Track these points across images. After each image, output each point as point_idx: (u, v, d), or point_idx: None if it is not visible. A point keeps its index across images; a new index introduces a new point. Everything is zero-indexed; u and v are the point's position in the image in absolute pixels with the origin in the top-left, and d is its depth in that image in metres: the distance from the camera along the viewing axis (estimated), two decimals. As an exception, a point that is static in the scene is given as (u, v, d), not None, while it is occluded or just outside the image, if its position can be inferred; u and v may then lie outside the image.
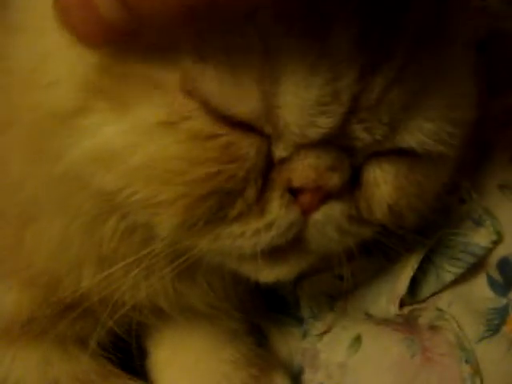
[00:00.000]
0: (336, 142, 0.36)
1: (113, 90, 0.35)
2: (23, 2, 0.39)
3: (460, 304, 0.50)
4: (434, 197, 0.43)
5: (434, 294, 0.51)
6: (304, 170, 0.36)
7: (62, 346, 0.51)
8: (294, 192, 0.37)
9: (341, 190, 0.37)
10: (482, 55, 0.42)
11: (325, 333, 0.56)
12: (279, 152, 0.36)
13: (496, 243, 0.49)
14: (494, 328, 0.48)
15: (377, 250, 0.45)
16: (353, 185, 0.39)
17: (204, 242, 0.38)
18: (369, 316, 0.53)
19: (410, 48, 0.35)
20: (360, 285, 0.54)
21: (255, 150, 0.35)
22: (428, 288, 0.51)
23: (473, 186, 0.51)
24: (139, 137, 0.35)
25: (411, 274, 0.50)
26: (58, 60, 0.36)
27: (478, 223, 0.50)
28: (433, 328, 0.50)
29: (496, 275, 0.49)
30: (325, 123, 0.34)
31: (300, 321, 0.58)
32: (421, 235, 0.48)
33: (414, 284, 0.51)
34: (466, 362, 0.48)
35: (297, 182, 0.36)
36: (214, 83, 0.33)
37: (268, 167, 0.37)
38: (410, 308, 0.50)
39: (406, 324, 0.52)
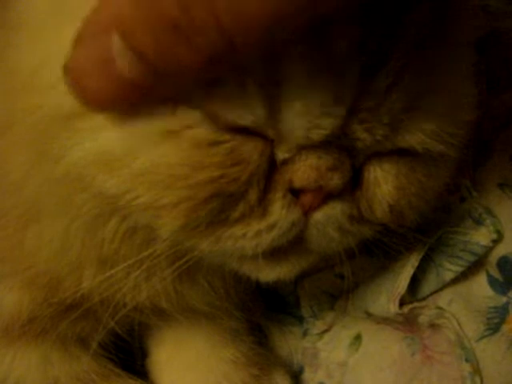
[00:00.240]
0: (337, 143, 0.36)
1: None
2: (23, 4, 0.39)
3: (460, 302, 0.50)
4: (435, 196, 0.43)
5: (434, 293, 0.51)
6: (305, 170, 0.36)
7: (63, 345, 0.51)
8: (295, 193, 0.37)
9: (342, 191, 0.37)
10: (482, 55, 0.42)
11: (325, 332, 0.56)
12: (282, 154, 0.36)
13: (496, 242, 0.49)
14: (493, 327, 0.49)
15: (377, 248, 0.45)
16: (354, 185, 0.39)
17: (205, 243, 0.38)
18: (369, 315, 0.53)
19: (410, 49, 0.35)
20: (360, 284, 0.54)
21: (258, 153, 0.35)
22: (428, 286, 0.51)
23: (473, 184, 0.51)
24: (141, 144, 0.35)
25: (411, 272, 0.50)
26: (58, 62, 0.35)
27: (479, 222, 0.50)
28: (433, 326, 0.50)
29: (496, 274, 0.50)
30: (327, 125, 0.34)
31: (300, 320, 0.58)
32: (421, 234, 0.48)
33: (414, 282, 0.51)
34: (466, 360, 0.48)
35: (298, 183, 0.36)
36: (217, 93, 0.33)
37: (270, 169, 0.37)
38: (410, 306, 0.50)
39: (406, 323, 0.52)
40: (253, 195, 0.36)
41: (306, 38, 0.32)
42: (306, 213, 0.37)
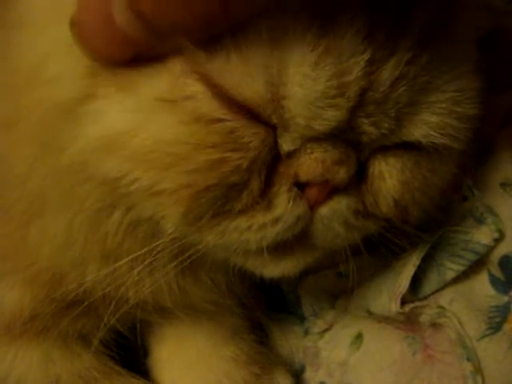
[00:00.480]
0: (343, 137, 0.36)
1: (120, 70, 0.35)
2: (23, 4, 0.39)
3: (461, 302, 0.50)
4: (439, 193, 0.43)
5: (435, 292, 0.51)
6: (311, 163, 0.36)
7: (64, 343, 0.51)
8: (300, 186, 0.37)
9: (347, 185, 0.38)
10: (483, 53, 0.42)
11: (326, 331, 0.56)
12: (286, 145, 0.36)
13: (497, 241, 0.49)
14: (495, 326, 0.48)
15: (379, 247, 0.45)
16: (359, 180, 0.39)
17: (210, 236, 0.38)
18: (370, 314, 0.53)
19: (416, 43, 0.35)
20: (361, 283, 0.53)
21: (259, 140, 0.35)
22: (429, 285, 0.51)
23: (475, 183, 0.51)
24: (141, 115, 0.35)
25: (413, 271, 0.50)
26: (62, 51, 0.36)
27: (480, 221, 0.50)
28: (434, 325, 0.50)
29: (497, 273, 0.49)
30: (332, 116, 0.34)
31: (301, 319, 0.58)
32: (423, 233, 0.48)
33: (416, 281, 0.51)
34: (468, 359, 0.48)
35: (304, 176, 0.36)
36: (221, 62, 0.33)
37: (275, 161, 0.37)
38: (411, 306, 0.50)
39: (408, 322, 0.52)
40: (255, 185, 0.36)
41: (313, 25, 0.32)
42: (312, 207, 0.38)
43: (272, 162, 0.37)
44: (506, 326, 0.48)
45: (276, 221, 0.37)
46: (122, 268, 0.42)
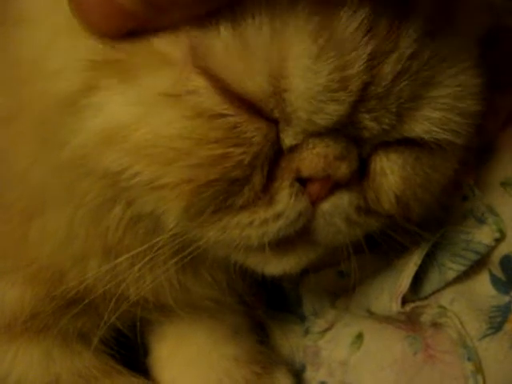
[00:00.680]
0: (344, 132, 0.36)
1: (121, 62, 0.35)
2: (24, 0, 0.39)
3: (462, 301, 0.50)
4: (440, 190, 0.43)
5: (436, 292, 0.51)
6: (313, 158, 0.36)
7: (65, 342, 0.51)
8: (302, 182, 0.37)
9: (349, 180, 0.38)
10: (485, 52, 0.42)
11: (327, 330, 0.56)
12: (288, 140, 0.36)
13: (498, 241, 0.49)
14: (496, 326, 0.48)
15: (380, 245, 0.45)
16: (361, 175, 0.39)
17: (212, 232, 0.38)
18: (371, 313, 0.53)
19: (418, 37, 0.35)
20: (362, 282, 0.53)
21: (262, 135, 0.35)
22: (430, 285, 0.51)
23: (475, 183, 0.51)
24: (143, 109, 0.35)
25: (414, 271, 0.50)
26: (63, 44, 0.36)
27: (481, 221, 0.50)
28: (435, 325, 0.50)
29: (498, 273, 0.49)
30: (333, 110, 0.34)
31: (302, 318, 0.58)
32: (424, 232, 0.48)
33: (417, 281, 0.51)
34: (469, 359, 0.48)
35: (306, 172, 0.37)
36: (222, 56, 0.33)
37: (277, 156, 0.37)
38: (412, 305, 0.50)
39: (408, 321, 0.52)
40: (257, 180, 0.36)
41: (314, 17, 0.32)
42: (314, 203, 0.38)
43: (274, 157, 0.37)
44: (507, 326, 0.48)
45: (278, 216, 0.37)
46: (123, 264, 0.42)
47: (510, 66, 0.51)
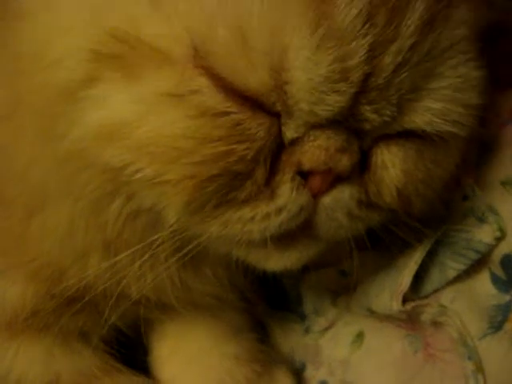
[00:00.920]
0: (346, 124, 0.36)
1: (123, 57, 0.35)
2: None
3: (463, 300, 0.50)
4: (442, 185, 0.43)
5: (436, 290, 0.51)
6: (314, 151, 0.36)
7: (65, 340, 0.51)
8: (304, 175, 0.37)
9: (350, 174, 0.38)
10: (485, 50, 0.42)
11: (327, 329, 0.56)
12: (290, 133, 0.36)
13: (499, 240, 0.49)
14: (496, 325, 0.48)
15: (381, 243, 0.45)
16: (362, 169, 0.39)
17: (213, 227, 0.38)
18: (371, 312, 0.53)
19: (418, 29, 0.35)
20: (363, 281, 0.53)
21: (265, 130, 0.36)
22: (431, 284, 0.51)
23: (476, 182, 0.51)
24: (146, 108, 0.35)
25: (414, 269, 0.50)
26: (67, 32, 0.36)
27: (482, 220, 0.50)
28: (435, 324, 0.50)
29: (499, 272, 0.49)
30: (334, 101, 0.34)
31: (302, 317, 0.58)
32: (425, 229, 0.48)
33: (417, 280, 0.51)
34: (469, 358, 0.48)
35: (307, 164, 0.37)
36: (223, 54, 0.33)
37: (278, 149, 0.37)
38: (412, 304, 0.50)
39: (409, 320, 0.51)
40: (259, 175, 0.36)
41: (313, 9, 0.32)
42: (315, 196, 0.38)
43: (276, 151, 0.37)
44: (508, 325, 0.48)
45: (279, 210, 0.37)
46: (123, 261, 0.42)
47: (510, 66, 0.51)
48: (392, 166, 0.39)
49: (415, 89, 0.36)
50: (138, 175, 0.36)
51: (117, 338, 0.53)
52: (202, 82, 0.34)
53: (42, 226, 0.43)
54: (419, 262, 0.50)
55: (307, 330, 0.57)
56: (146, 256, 0.41)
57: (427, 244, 0.49)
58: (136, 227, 0.41)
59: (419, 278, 0.51)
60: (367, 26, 0.33)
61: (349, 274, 0.54)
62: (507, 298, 0.49)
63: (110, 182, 0.38)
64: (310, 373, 0.55)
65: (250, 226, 0.37)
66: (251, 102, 0.35)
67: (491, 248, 0.49)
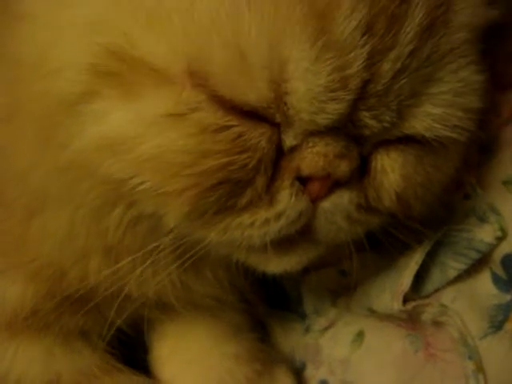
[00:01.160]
0: (345, 130, 0.36)
1: (121, 75, 0.35)
2: None
3: (464, 300, 0.50)
4: (441, 189, 0.43)
5: (437, 290, 0.51)
6: (313, 157, 0.36)
7: (66, 340, 0.51)
8: (303, 181, 0.37)
9: (349, 179, 0.38)
10: (487, 50, 0.42)
11: (327, 328, 0.56)
12: (289, 140, 0.36)
13: (500, 239, 0.49)
14: (497, 325, 0.48)
15: (382, 245, 0.45)
16: (361, 173, 0.39)
17: (213, 233, 0.38)
18: (372, 312, 0.53)
19: (417, 35, 0.35)
20: (363, 280, 0.53)
21: (266, 139, 0.36)
22: (432, 284, 0.51)
23: (477, 182, 0.51)
24: (147, 128, 0.35)
25: (415, 269, 0.49)
26: (66, 44, 0.36)
27: (483, 219, 0.50)
28: (436, 324, 0.50)
29: (500, 272, 0.49)
30: (334, 109, 0.34)
31: (302, 316, 0.58)
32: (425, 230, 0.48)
33: (418, 280, 0.51)
34: (470, 358, 0.48)
35: (306, 170, 0.37)
36: (221, 72, 0.33)
37: (278, 156, 0.37)
38: (413, 304, 0.50)
39: (409, 320, 0.51)
40: (260, 182, 0.36)
41: (311, 19, 0.32)
42: (314, 201, 0.38)
43: (275, 158, 0.37)
44: (508, 325, 0.48)
45: (278, 216, 0.37)
46: (124, 268, 0.42)
47: (510, 67, 0.51)
48: (391, 170, 0.39)
49: (415, 94, 0.36)
50: (141, 187, 0.36)
51: (117, 337, 0.53)
52: (201, 99, 0.34)
53: (42, 228, 0.43)
54: (420, 261, 0.50)
55: (307, 330, 0.57)
56: (148, 262, 0.41)
57: (428, 244, 0.49)
58: (137, 233, 0.41)
59: (420, 277, 0.51)
60: (366, 36, 0.33)
61: (349, 273, 0.54)
62: (508, 297, 0.49)
63: (111, 192, 0.38)
64: (311, 372, 0.55)
65: (250, 232, 0.38)
66: (251, 114, 0.35)
67: (492, 248, 0.49)
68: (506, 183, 0.50)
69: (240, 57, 0.33)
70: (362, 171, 0.39)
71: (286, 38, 0.33)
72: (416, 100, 0.37)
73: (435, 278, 0.51)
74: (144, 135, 0.35)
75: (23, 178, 0.41)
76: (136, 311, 0.48)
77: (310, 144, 0.36)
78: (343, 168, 0.37)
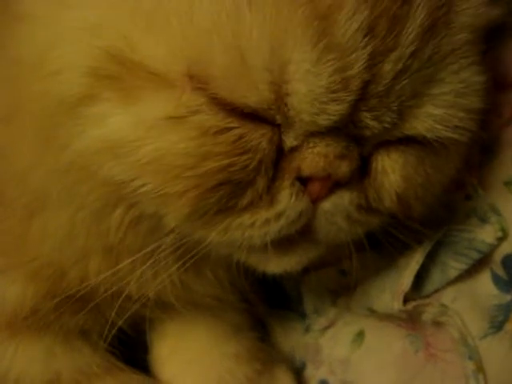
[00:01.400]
0: (345, 131, 0.36)
1: (121, 79, 0.35)
2: None
3: (464, 300, 0.50)
4: (441, 189, 0.43)
5: (438, 290, 0.51)
6: (313, 158, 0.36)
7: (66, 339, 0.51)
8: (303, 181, 0.37)
9: (350, 179, 0.38)
10: (488, 50, 0.42)
11: (327, 328, 0.56)
12: (289, 141, 0.36)
13: (501, 240, 0.49)
14: (497, 325, 0.48)
15: (382, 244, 0.45)
16: (362, 174, 0.39)
17: (214, 234, 0.38)
18: (372, 311, 0.53)
19: (419, 36, 0.35)
20: (364, 280, 0.53)
21: (267, 140, 0.36)
22: (432, 284, 0.51)
23: (479, 182, 0.51)
24: (147, 131, 0.35)
25: (416, 269, 0.50)
26: (66, 46, 0.36)
27: (484, 220, 0.50)
28: (436, 324, 0.50)
29: (500, 272, 0.49)
30: (334, 110, 0.34)
31: (303, 316, 0.58)
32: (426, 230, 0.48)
33: (419, 280, 0.51)
34: (470, 358, 0.48)
35: (306, 171, 0.37)
36: (222, 75, 0.33)
37: (278, 156, 0.37)
38: (413, 304, 0.50)
39: (410, 320, 0.52)
40: (261, 183, 0.36)
41: (313, 21, 0.32)
42: (314, 202, 0.38)
43: (276, 158, 0.37)
44: (509, 325, 0.48)
45: (279, 216, 0.37)
46: (125, 269, 0.42)
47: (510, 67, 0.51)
48: (392, 171, 0.39)
49: (416, 95, 0.36)
50: (142, 189, 0.36)
51: (117, 336, 0.52)
52: (201, 102, 0.34)
53: (42, 228, 0.43)
54: (420, 261, 0.50)
55: (308, 329, 0.57)
56: (148, 263, 0.41)
57: (429, 244, 0.49)
58: (138, 233, 0.41)
59: (420, 277, 0.51)
60: (367, 38, 0.33)
61: (349, 273, 0.54)
62: (508, 297, 0.49)
63: (112, 194, 0.38)
64: (311, 372, 0.56)
65: (251, 232, 0.38)
66: (252, 116, 0.35)
67: (493, 248, 0.49)
68: (507, 184, 0.50)
69: (241, 59, 0.33)
70: (362, 172, 0.39)
71: (287, 39, 0.32)
72: (417, 101, 0.37)
73: (436, 277, 0.51)
74: (144, 138, 0.35)
75: (23, 178, 0.41)
76: (136, 311, 0.48)
77: (311, 144, 0.36)
78: (344, 169, 0.37)
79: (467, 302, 0.50)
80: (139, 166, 0.35)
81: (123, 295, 0.44)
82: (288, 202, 0.37)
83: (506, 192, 0.50)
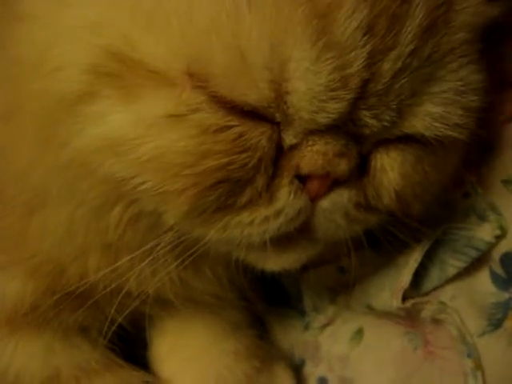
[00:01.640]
0: (344, 129, 0.37)
1: (121, 77, 0.35)
2: None
3: (463, 298, 0.50)
4: (440, 187, 0.43)
5: (436, 288, 0.51)
6: (312, 156, 0.36)
7: (65, 335, 0.51)
8: (302, 179, 0.37)
9: (349, 177, 0.38)
10: (487, 50, 0.42)
11: (326, 325, 0.56)
12: (289, 139, 0.37)
13: (499, 238, 0.49)
14: (495, 323, 0.48)
15: (381, 242, 0.45)
16: (361, 173, 0.39)
17: (213, 231, 0.38)
18: (371, 309, 0.53)
19: (418, 35, 0.35)
20: (363, 278, 0.54)
21: (266, 138, 0.36)
22: (431, 281, 0.51)
23: (477, 181, 0.51)
24: (147, 129, 0.35)
25: (414, 267, 0.50)
26: (66, 44, 0.36)
27: (482, 218, 0.50)
28: (435, 322, 0.50)
29: (499, 270, 0.49)
30: (334, 108, 0.34)
31: (302, 313, 0.58)
32: (425, 228, 0.48)
33: (417, 277, 0.51)
34: (468, 356, 0.48)
35: (305, 169, 0.37)
36: (221, 74, 0.33)
37: (277, 154, 0.37)
38: (412, 301, 0.50)
39: (408, 317, 0.52)
40: (260, 181, 0.36)
41: (312, 19, 0.32)
42: (313, 200, 0.38)
43: (275, 156, 0.37)
44: (507, 323, 0.48)
45: (278, 213, 0.37)
46: (124, 266, 0.42)
47: (511, 66, 0.51)
48: (391, 169, 0.40)
49: (415, 93, 0.36)
50: (142, 187, 0.36)
51: (117, 333, 0.53)
52: (201, 100, 0.34)
53: (42, 225, 0.43)
54: (419, 259, 0.50)
55: (307, 327, 0.57)
56: (147, 260, 0.41)
57: (427, 242, 0.50)
58: (137, 230, 0.41)
59: (419, 275, 0.51)
60: (367, 36, 0.33)
61: (347, 270, 0.55)
62: (506, 295, 0.49)
63: (112, 191, 0.38)
64: (310, 369, 0.56)
65: (249, 230, 0.38)
66: (252, 114, 0.35)
67: (491, 246, 0.50)
68: (506, 182, 0.50)
69: (240, 57, 0.33)
70: (361, 170, 0.39)
71: (287, 38, 0.33)
72: (416, 99, 0.37)
73: (434, 275, 0.51)
74: (144, 136, 0.35)
75: (23, 175, 0.41)
76: (136, 308, 0.48)
77: (310, 142, 0.36)
78: (342, 167, 0.37)
79: (466, 299, 0.50)
80: (139, 164, 0.35)
81: (122, 292, 0.44)
82: (287, 199, 0.37)
83: (505, 191, 0.50)
